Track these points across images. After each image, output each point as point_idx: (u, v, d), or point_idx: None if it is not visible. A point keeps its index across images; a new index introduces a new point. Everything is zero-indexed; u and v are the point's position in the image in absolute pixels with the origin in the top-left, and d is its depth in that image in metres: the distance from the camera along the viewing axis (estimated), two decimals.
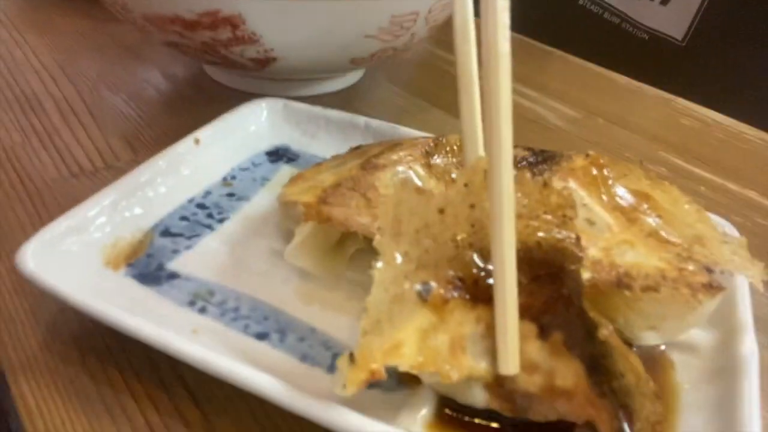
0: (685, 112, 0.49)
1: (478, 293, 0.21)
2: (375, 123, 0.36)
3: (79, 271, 0.24)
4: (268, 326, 0.24)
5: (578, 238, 0.21)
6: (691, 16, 0.59)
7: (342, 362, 0.19)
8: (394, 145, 0.31)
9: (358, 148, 0.33)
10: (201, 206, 0.30)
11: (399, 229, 0.21)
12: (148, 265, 0.26)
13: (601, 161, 0.27)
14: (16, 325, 0.25)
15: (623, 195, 0.25)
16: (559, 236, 0.21)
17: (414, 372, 0.20)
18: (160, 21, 0.35)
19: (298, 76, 0.43)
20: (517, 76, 0.57)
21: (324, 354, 0.23)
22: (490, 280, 0.21)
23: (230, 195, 0.32)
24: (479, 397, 0.21)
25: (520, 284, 0.20)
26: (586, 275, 0.21)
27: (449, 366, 0.20)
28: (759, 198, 0.38)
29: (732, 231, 0.28)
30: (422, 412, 0.21)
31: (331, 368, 0.23)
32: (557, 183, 0.26)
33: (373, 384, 0.22)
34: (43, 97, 0.42)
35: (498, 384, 0.20)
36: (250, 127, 0.36)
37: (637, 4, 0.62)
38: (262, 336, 0.24)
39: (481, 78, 0.21)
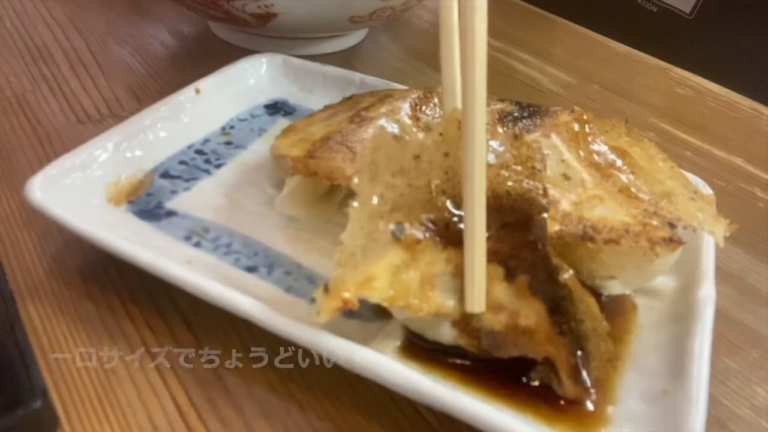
0: (681, 81, 0.49)
1: (449, 236, 0.22)
2: (370, 79, 0.37)
3: (82, 205, 0.26)
4: (257, 261, 0.26)
5: (545, 189, 0.22)
6: None
7: (318, 293, 0.21)
8: (385, 96, 0.32)
9: (350, 98, 0.34)
10: (199, 152, 0.32)
11: (376, 172, 0.22)
12: (147, 203, 0.28)
13: (585, 117, 0.28)
14: (24, 255, 0.27)
15: (601, 151, 0.26)
16: (527, 186, 0.22)
17: (385, 305, 0.21)
18: None
19: (299, 34, 0.44)
20: (517, 42, 0.58)
21: (308, 287, 0.25)
22: (461, 225, 0.22)
23: (228, 143, 0.33)
24: (447, 334, 0.22)
25: (489, 230, 0.22)
26: (554, 227, 0.22)
27: (419, 301, 0.21)
28: (744, 164, 0.39)
29: (706, 189, 0.29)
30: (395, 340, 0.23)
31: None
32: (538, 137, 0.27)
33: (351, 314, 0.24)
34: (53, 47, 0.43)
35: (465, 322, 0.22)
36: (249, 80, 0.37)
37: None
38: (251, 269, 0.25)
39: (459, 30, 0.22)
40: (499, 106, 0.31)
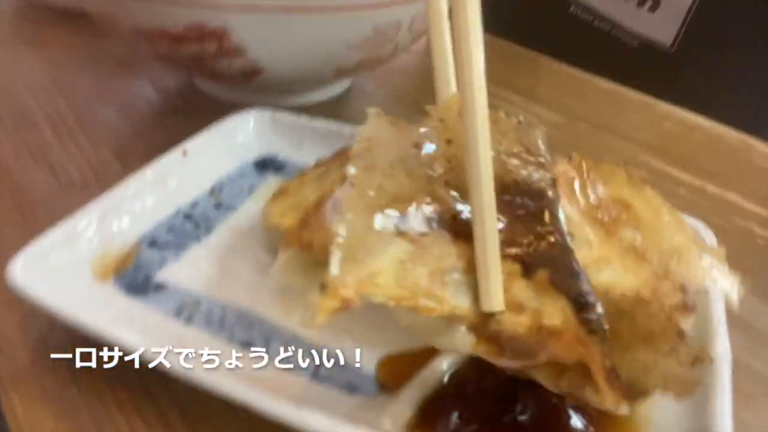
0: (667, 115, 0.50)
1: (458, 229, 0.20)
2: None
3: (68, 284, 0.25)
4: (253, 335, 0.25)
5: (554, 180, 0.21)
6: (679, 23, 0.60)
7: (312, 296, 0.19)
8: None
9: (342, 152, 0.33)
10: (188, 217, 0.31)
11: (373, 161, 0.20)
12: (135, 277, 0.27)
13: (584, 164, 0.28)
14: (6, 339, 0.25)
15: (604, 204, 0.25)
16: (536, 175, 0.21)
17: (391, 304, 0.19)
18: (148, 35, 0.36)
19: (286, 87, 0.44)
20: (503, 81, 0.58)
21: (308, 362, 0.24)
22: (469, 216, 0.20)
23: (217, 206, 0.32)
24: (463, 341, 0.20)
25: (500, 223, 0.20)
26: None
27: (430, 300, 0.19)
28: (738, 200, 0.39)
29: (710, 237, 0.28)
30: (403, 417, 0.22)
31: (315, 375, 0.24)
32: None
33: (352, 388, 0.22)
34: (35, 111, 0.43)
35: (482, 325, 0.19)
36: (237, 138, 0.37)
37: (627, 11, 0.63)
38: (246, 344, 0.24)
39: (450, 12, 0.21)
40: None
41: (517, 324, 0.19)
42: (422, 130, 0.21)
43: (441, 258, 0.20)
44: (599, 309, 0.20)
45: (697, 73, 0.62)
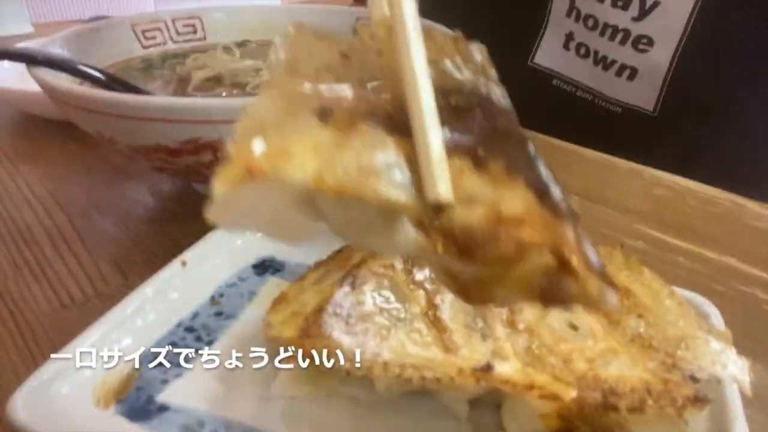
0: (657, 181, 0.50)
1: (393, 126, 0.17)
2: None
3: (69, 415, 0.24)
4: None
5: (498, 82, 0.19)
6: (658, 89, 0.62)
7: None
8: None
9: (340, 251, 0.34)
10: (189, 329, 0.31)
11: (296, 67, 0.18)
12: (137, 399, 0.26)
13: None
14: None
15: None
16: (481, 80, 0.19)
17: (312, 188, 0.16)
18: (146, 150, 0.37)
19: None
20: None
21: None
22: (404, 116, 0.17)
23: (218, 314, 0.32)
24: (408, 239, 0.17)
25: (445, 123, 0.18)
26: (571, 393, 0.21)
27: (360, 186, 0.16)
28: (737, 264, 0.39)
29: (715, 313, 0.28)
30: None
31: None
32: None
33: None
34: (35, 227, 0.43)
35: (429, 222, 0.17)
36: (235, 242, 0.37)
37: (607, 82, 0.65)
38: None
39: None
40: None
41: (471, 216, 0.17)
42: (351, 40, 0.19)
43: (375, 147, 0.17)
44: (564, 192, 0.18)
45: (682, 136, 0.64)
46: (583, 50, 0.66)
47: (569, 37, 0.66)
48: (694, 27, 0.58)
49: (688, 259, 0.39)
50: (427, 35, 0.19)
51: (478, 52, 0.20)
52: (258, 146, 0.16)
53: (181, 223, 0.44)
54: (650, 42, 0.60)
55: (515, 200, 0.17)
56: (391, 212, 0.17)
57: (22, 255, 0.40)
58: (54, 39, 0.48)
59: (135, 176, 0.52)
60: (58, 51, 0.47)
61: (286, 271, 0.36)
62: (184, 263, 0.33)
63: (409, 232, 0.17)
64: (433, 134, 0.17)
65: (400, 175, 0.17)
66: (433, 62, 0.19)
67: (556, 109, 0.68)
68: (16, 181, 0.50)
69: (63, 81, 0.40)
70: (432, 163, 0.17)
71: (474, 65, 0.20)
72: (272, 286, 0.35)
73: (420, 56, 0.18)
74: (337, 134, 0.17)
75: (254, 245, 0.38)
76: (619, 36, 0.62)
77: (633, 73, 0.63)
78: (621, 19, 0.61)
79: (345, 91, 0.18)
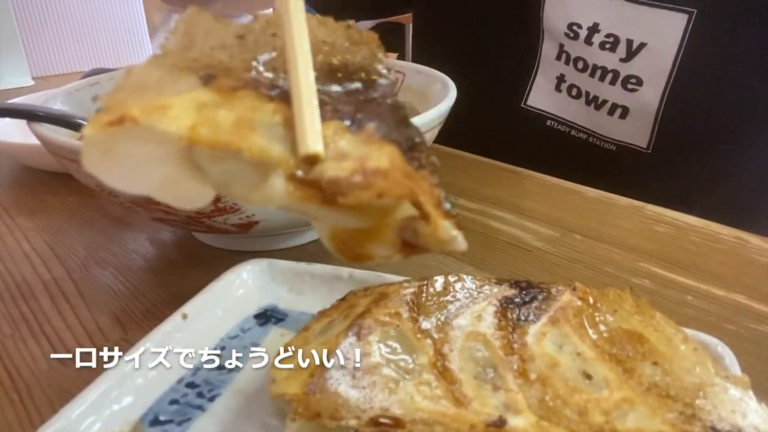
0: (658, 218, 0.50)
1: (276, 95, 0.19)
2: (358, 273, 0.37)
3: None
4: None
5: (383, 60, 0.21)
6: (650, 126, 0.63)
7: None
8: (380, 296, 0.31)
9: (345, 299, 0.33)
10: (191, 385, 0.30)
11: (191, 43, 0.20)
12: None
13: (589, 295, 0.28)
14: None
15: (617, 338, 0.25)
16: (365, 59, 0.21)
17: (186, 140, 0.17)
18: (146, 203, 0.37)
19: (282, 231, 0.44)
20: (491, 200, 0.59)
21: None
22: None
23: (220, 368, 0.31)
24: (277, 190, 0.18)
25: (328, 92, 0.20)
26: None
27: (234, 138, 0.17)
28: (746, 301, 0.38)
29: (729, 356, 0.27)
30: None
31: None
32: (546, 325, 0.27)
33: None
34: (32, 281, 0.43)
35: (302, 173, 0.18)
36: (236, 292, 0.36)
37: (600, 121, 0.66)
38: None
39: None
40: (496, 289, 0.30)
41: (339, 169, 0.18)
42: (247, 24, 0.21)
43: (253, 109, 0.18)
44: (425, 147, 0.20)
45: (679, 172, 0.64)
46: (574, 91, 0.67)
47: (560, 79, 0.67)
48: (681, 66, 0.59)
49: (696, 298, 0.39)
50: (321, 22, 0.22)
51: (367, 35, 0.23)
52: (133, 98, 0.17)
53: (181, 273, 0.44)
54: (639, 81, 0.61)
55: (381, 156, 0.19)
56: (264, 166, 0.18)
57: (19, 310, 0.39)
58: (54, 93, 0.49)
59: (134, 226, 0.51)
60: (58, 105, 0.48)
61: (288, 321, 0.35)
62: (185, 316, 0.33)
63: (280, 185, 0.18)
64: (307, 95, 0.19)
65: (275, 132, 0.19)
66: (326, 43, 0.22)
67: (552, 149, 0.69)
68: (15, 234, 0.50)
69: (63, 136, 0.40)
70: (305, 120, 0.19)
71: (362, 47, 0.23)
72: (275, 336, 0.34)
73: (303, 31, 0.20)
74: (218, 96, 0.18)
75: (256, 294, 0.37)
76: (609, 77, 0.63)
77: (624, 111, 0.64)
78: (609, 60, 0.62)
79: (233, 62, 0.20)
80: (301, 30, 0.21)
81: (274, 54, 0.21)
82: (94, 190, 0.40)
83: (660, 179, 0.65)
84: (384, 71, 0.22)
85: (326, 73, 0.21)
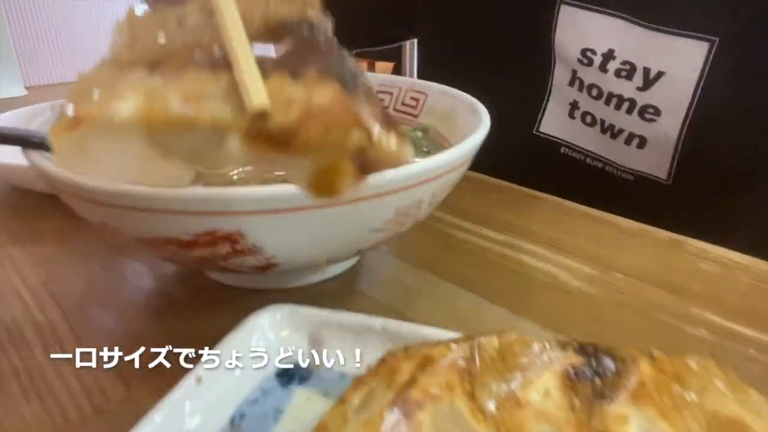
0: (701, 254, 0.47)
1: (218, 66, 0.21)
2: (393, 325, 0.33)
3: None
4: None
5: (320, 12, 0.24)
6: (669, 158, 0.60)
7: None
8: (424, 359, 0.27)
9: (383, 362, 0.29)
10: None
11: (135, 40, 0.22)
12: None
13: (670, 366, 0.24)
14: None
15: (715, 427, 0.21)
16: (304, 12, 0.24)
17: (141, 120, 0.19)
18: (155, 242, 0.33)
19: (301, 272, 0.41)
20: (520, 230, 0.55)
21: None
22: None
23: None
24: (234, 151, 0.20)
25: (271, 52, 0.22)
26: None
27: (186, 110, 0.19)
28: None
29: None
30: None
31: None
32: (626, 408, 0.23)
33: None
34: (25, 324, 0.39)
35: (254, 129, 0.20)
36: (255, 347, 0.32)
37: (616, 150, 0.63)
38: None
39: None
40: (560, 354, 0.26)
41: (287, 115, 0.20)
42: (184, 9, 0.23)
43: (200, 82, 0.20)
44: (362, 77, 0.22)
45: (703, 205, 0.61)
46: (589, 119, 0.64)
47: (574, 105, 0.64)
48: (702, 96, 0.56)
49: (758, 351, 0.35)
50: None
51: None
52: (86, 100, 0.19)
53: (190, 316, 0.40)
54: (657, 111, 0.58)
55: (324, 93, 0.20)
56: (219, 130, 0.20)
57: (9, 361, 0.35)
58: (47, 106, 0.45)
59: (136, 254, 0.47)
60: (48, 114, 0.44)
61: (314, 380, 0.32)
62: (198, 379, 0.29)
63: (236, 144, 0.20)
64: (245, 57, 0.21)
65: (224, 98, 0.21)
66: (262, 2, 0.24)
67: (567, 177, 0.65)
68: (6, 267, 0.46)
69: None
70: (246, 80, 0.21)
71: (299, 3, 0.25)
72: (301, 399, 0.30)
73: (230, 1, 0.23)
74: (165, 78, 0.20)
75: (275, 346, 0.33)
76: (625, 105, 0.60)
77: (642, 141, 0.61)
78: (625, 88, 0.59)
79: (175, 46, 0.22)
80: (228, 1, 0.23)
81: (210, 30, 0.23)
82: (97, 226, 0.36)
83: (680, 211, 0.62)
84: (319, 20, 0.24)
85: (265, 33, 0.23)
